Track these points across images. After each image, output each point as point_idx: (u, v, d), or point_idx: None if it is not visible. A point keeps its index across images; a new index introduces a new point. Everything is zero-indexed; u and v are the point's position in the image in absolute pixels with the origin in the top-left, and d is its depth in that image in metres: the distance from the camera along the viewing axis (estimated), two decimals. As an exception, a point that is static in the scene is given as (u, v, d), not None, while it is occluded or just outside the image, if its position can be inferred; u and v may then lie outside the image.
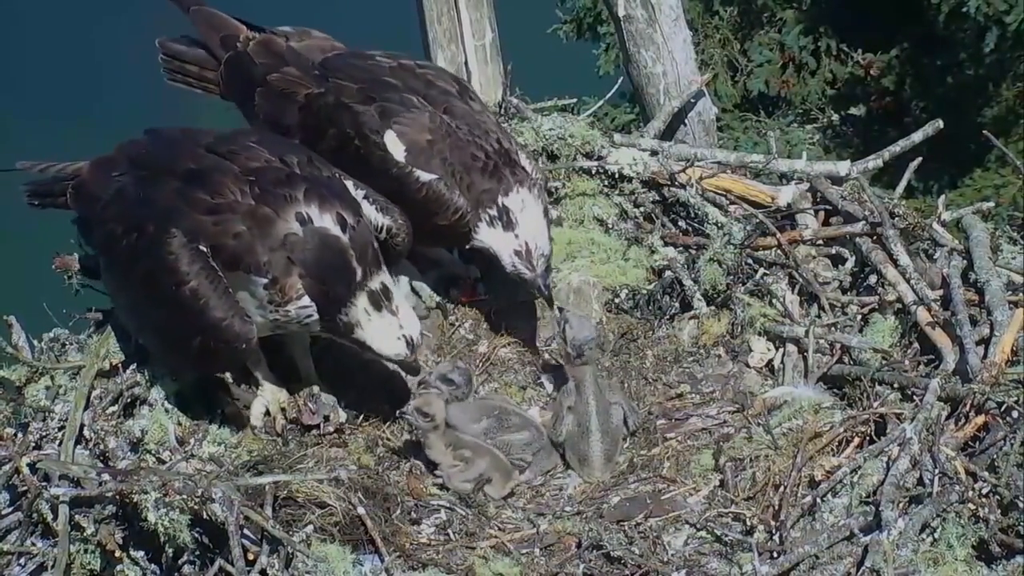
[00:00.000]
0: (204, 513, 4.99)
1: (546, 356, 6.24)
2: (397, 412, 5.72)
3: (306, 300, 5.45)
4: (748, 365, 6.17)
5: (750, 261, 6.41)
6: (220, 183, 5.45)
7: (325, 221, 5.45)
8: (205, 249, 5.37)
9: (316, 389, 5.88)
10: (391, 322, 5.56)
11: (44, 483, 5.25)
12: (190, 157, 5.61)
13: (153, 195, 5.54)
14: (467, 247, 6.18)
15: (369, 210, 5.70)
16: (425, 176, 5.94)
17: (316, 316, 5.51)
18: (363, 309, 5.52)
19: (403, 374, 5.90)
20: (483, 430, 5.79)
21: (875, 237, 6.27)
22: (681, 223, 6.69)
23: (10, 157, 6.16)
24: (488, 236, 6.02)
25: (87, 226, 5.87)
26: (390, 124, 5.95)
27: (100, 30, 17.18)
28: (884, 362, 5.81)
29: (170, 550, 5.10)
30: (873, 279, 6.20)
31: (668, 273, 6.48)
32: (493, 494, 5.65)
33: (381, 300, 5.53)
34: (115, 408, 5.57)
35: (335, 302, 5.49)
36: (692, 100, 7.45)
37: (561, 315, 5.94)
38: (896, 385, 5.65)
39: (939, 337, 5.76)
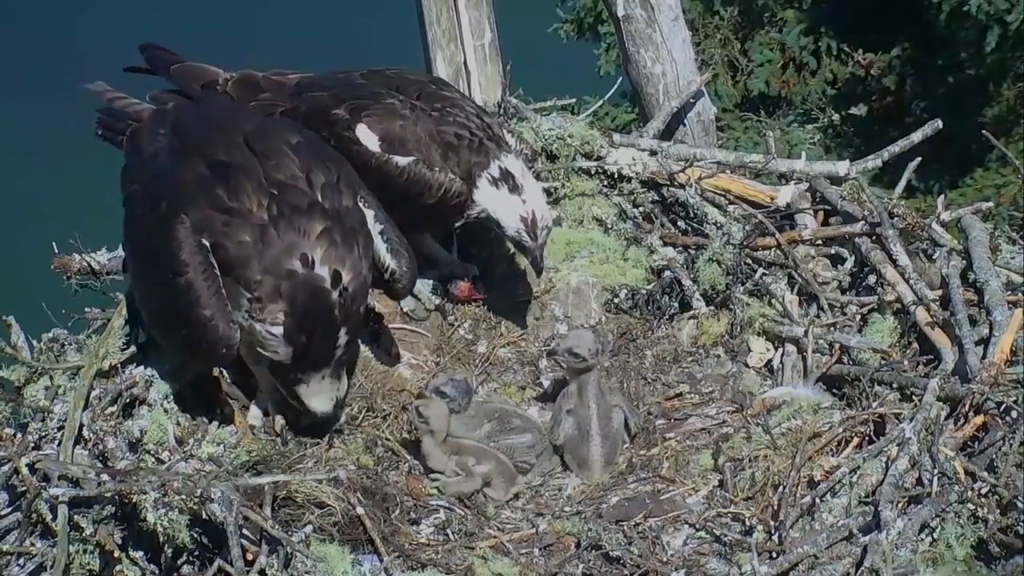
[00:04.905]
0: (203, 513, 4.98)
1: (545, 358, 6.24)
2: (403, 406, 5.73)
3: (278, 330, 5.41)
4: (747, 365, 6.17)
5: (749, 261, 6.40)
6: (240, 186, 5.43)
7: (323, 271, 5.38)
8: (207, 243, 5.35)
9: None
10: (326, 386, 5.55)
11: (43, 483, 5.22)
12: (224, 145, 5.58)
13: (177, 172, 5.53)
14: (462, 222, 6.16)
15: (380, 247, 5.69)
16: (402, 161, 5.99)
17: (283, 350, 5.46)
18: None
19: (402, 373, 5.90)
20: (486, 434, 5.79)
21: (874, 237, 6.26)
22: (680, 223, 6.68)
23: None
24: (491, 198, 6.02)
25: (127, 174, 5.80)
26: (360, 118, 6.02)
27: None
28: (883, 362, 5.81)
29: (169, 550, 5.09)
30: (872, 279, 6.20)
31: (667, 273, 6.48)
32: (495, 497, 5.64)
33: (332, 376, 5.54)
34: (114, 408, 5.56)
35: (312, 354, 5.49)
36: (691, 100, 7.45)
37: (561, 344, 5.86)
38: (895, 385, 5.64)
39: (938, 337, 5.76)
